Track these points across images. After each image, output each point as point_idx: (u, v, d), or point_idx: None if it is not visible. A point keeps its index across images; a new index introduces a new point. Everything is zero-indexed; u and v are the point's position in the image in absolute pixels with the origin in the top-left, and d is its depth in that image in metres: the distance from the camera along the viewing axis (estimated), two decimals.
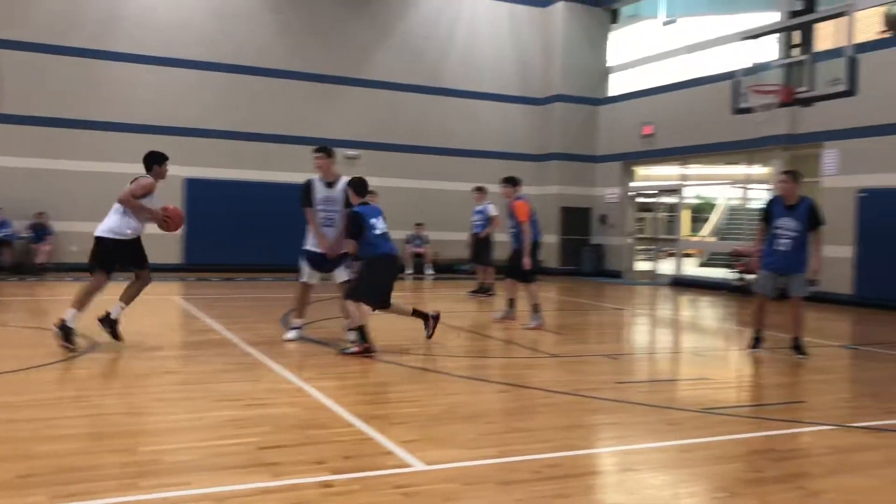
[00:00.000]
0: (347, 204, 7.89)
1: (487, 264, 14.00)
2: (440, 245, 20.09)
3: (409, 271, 19.15)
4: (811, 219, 7.92)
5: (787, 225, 7.95)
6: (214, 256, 17.94)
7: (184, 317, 10.66)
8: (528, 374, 7.14)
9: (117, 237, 7.29)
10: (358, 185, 7.77)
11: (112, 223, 7.31)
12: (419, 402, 5.63)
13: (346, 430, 4.80)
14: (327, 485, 3.78)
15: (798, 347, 8.04)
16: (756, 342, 8.34)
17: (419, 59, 20.54)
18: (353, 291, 7.55)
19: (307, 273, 8.10)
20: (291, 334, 8.16)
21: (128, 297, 7.54)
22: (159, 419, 5.06)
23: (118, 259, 7.40)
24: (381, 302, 7.65)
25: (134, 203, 7.27)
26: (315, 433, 4.72)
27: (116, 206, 7.33)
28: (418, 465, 4.11)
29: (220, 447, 4.37)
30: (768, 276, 8.17)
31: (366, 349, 7.33)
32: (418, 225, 19.63)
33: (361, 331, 7.38)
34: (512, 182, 10.27)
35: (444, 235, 20.22)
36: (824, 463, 4.47)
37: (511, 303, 10.39)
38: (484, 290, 13.80)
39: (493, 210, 13.90)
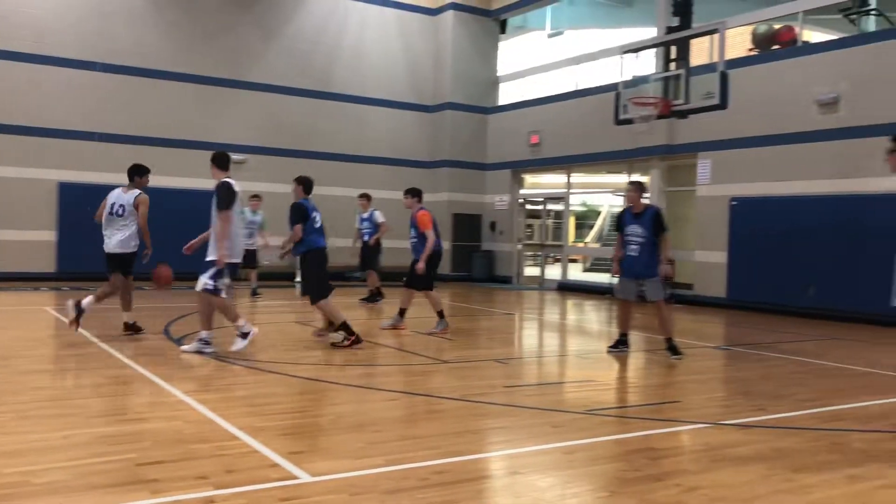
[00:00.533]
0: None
1: (375, 269, 13.97)
2: (329, 252, 19.87)
3: (297, 279, 18.86)
4: (655, 225, 8.45)
5: (635, 232, 8.49)
6: (91, 265, 17.01)
7: (56, 328, 10.10)
8: (417, 381, 7.15)
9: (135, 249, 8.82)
10: (306, 183, 8.90)
11: (130, 236, 8.80)
12: (306, 412, 5.54)
13: (230, 443, 4.67)
14: (210, 500, 3.66)
15: (672, 349, 8.42)
16: (619, 344, 8.83)
17: (308, 63, 20.30)
18: (314, 294, 8.50)
19: (226, 286, 7.86)
20: (199, 347, 7.77)
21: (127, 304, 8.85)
22: (25, 438, 4.75)
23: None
24: (327, 293, 8.51)
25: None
26: (197, 447, 4.56)
27: (127, 222, 8.75)
28: (304, 477, 4.03)
29: (94, 465, 4.15)
30: (626, 282, 8.70)
31: (354, 340, 8.33)
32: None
33: (345, 326, 8.36)
34: (414, 193, 10.38)
35: (334, 242, 19.99)
36: (699, 460, 4.68)
37: (402, 312, 10.32)
38: (373, 298, 13.78)
39: (380, 217, 13.91)
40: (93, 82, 17.61)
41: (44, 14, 17.17)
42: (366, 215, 14.05)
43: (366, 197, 14.28)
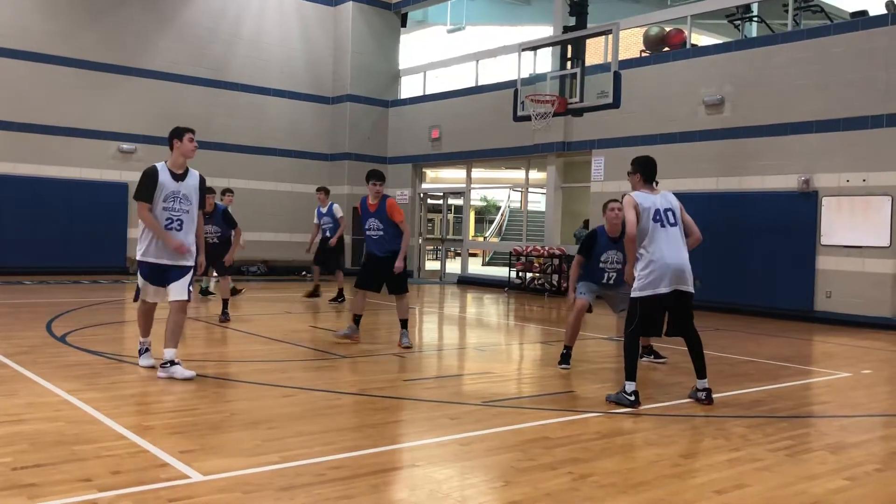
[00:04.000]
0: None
1: (341, 268, 13.52)
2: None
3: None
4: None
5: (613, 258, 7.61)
6: None
7: None
8: (315, 377, 7.05)
9: None
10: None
11: None
12: (197, 410, 5.37)
13: (117, 443, 4.47)
14: (93, 503, 3.50)
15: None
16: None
17: (203, 51, 19.68)
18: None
19: (150, 293, 6.69)
20: (147, 361, 6.79)
21: None
22: None
23: None
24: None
25: None
26: (80, 448, 4.35)
27: None
28: (195, 476, 3.91)
29: None
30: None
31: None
32: None
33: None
34: (382, 178, 8.67)
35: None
36: (590, 448, 4.81)
37: (358, 319, 8.83)
38: (340, 298, 13.17)
39: (339, 211, 13.19)
40: None
41: None
42: (325, 210, 13.21)
43: (324, 190, 13.42)
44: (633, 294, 6.08)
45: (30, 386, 5.91)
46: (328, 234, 13.20)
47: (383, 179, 8.65)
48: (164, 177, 6.56)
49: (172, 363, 6.31)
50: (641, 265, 6.06)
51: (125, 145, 18.18)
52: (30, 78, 17.16)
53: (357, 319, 8.76)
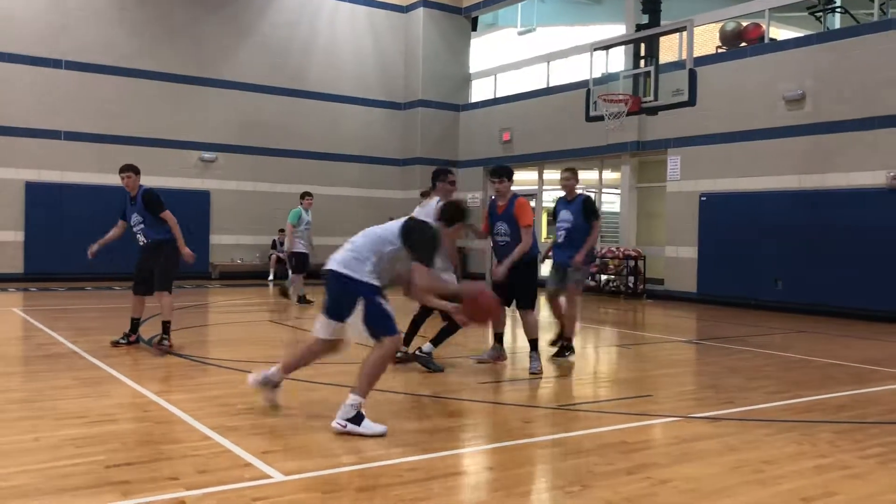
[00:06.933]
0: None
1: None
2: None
3: (270, 278, 18.77)
4: (586, 212, 8.02)
5: (566, 218, 8.13)
6: (59, 265, 16.82)
7: (25, 330, 9.94)
8: (392, 378, 7.10)
9: None
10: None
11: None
12: (279, 412, 5.50)
13: (202, 443, 4.63)
14: (181, 501, 3.63)
15: (570, 348, 8.13)
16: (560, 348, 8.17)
17: (279, 60, 20.17)
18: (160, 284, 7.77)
19: None
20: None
21: None
22: None
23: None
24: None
25: None
26: (168, 448, 4.52)
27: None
28: (277, 476, 4.01)
29: (63, 468, 4.09)
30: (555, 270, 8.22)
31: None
32: (282, 231, 19.24)
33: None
34: (510, 175, 7.56)
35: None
36: (669, 453, 4.72)
37: (500, 338, 7.78)
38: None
39: None
40: (57, 80, 17.34)
41: (4, 9, 16.85)
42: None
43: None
44: None
45: (120, 388, 6.17)
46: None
47: (510, 176, 7.48)
48: None
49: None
50: None
51: (206, 154, 18.76)
52: (116, 92, 17.92)
53: (499, 338, 7.70)
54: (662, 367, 7.93)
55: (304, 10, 20.60)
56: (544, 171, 20.57)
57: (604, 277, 17.78)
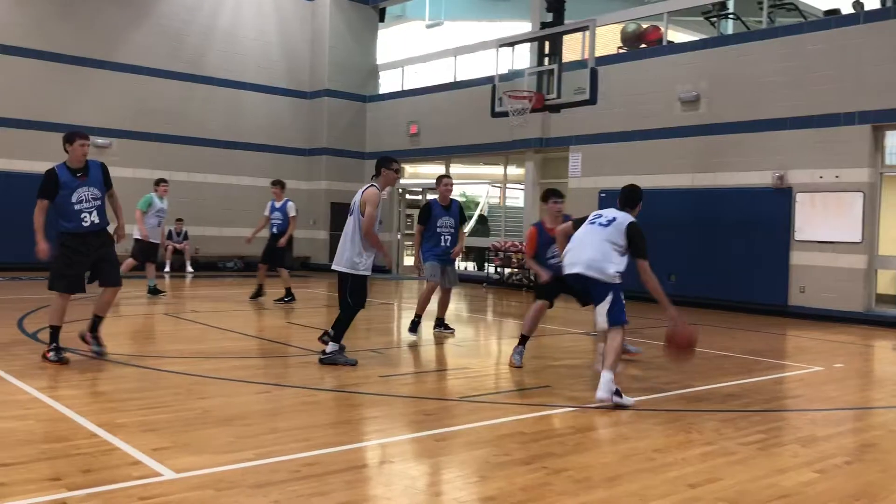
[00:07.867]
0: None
1: (286, 266, 12.73)
2: (200, 241, 19.32)
3: (166, 270, 18.18)
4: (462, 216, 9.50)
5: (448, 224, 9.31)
6: None
7: None
8: (291, 373, 7.02)
9: None
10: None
11: None
12: (170, 407, 5.32)
13: (88, 441, 4.42)
14: (62, 503, 3.45)
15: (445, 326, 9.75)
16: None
17: (179, 44, 19.50)
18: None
19: None
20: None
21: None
22: None
23: None
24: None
25: None
26: (50, 447, 4.30)
27: None
28: (168, 474, 3.88)
29: None
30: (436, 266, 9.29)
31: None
32: (178, 220, 18.66)
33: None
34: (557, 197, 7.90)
35: (205, 231, 19.46)
36: (565, 443, 4.82)
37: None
38: (288, 297, 12.55)
39: (292, 209, 12.60)
40: None
41: None
42: (278, 205, 12.65)
43: (279, 185, 12.91)
44: None
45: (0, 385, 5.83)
46: (275, 230, 12.61)
47: (562, 197, 7.88)
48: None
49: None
50: None
51: (101, 139, 17.96)
52: (1, 71, 16.91)
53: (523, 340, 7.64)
54: (561, 358, 8.10)
55: None
56: (451, 164, 20.67)
57: (507, 271, 18.03)
